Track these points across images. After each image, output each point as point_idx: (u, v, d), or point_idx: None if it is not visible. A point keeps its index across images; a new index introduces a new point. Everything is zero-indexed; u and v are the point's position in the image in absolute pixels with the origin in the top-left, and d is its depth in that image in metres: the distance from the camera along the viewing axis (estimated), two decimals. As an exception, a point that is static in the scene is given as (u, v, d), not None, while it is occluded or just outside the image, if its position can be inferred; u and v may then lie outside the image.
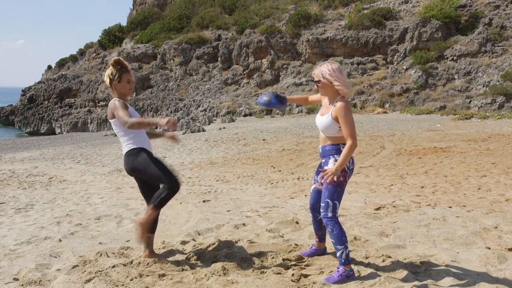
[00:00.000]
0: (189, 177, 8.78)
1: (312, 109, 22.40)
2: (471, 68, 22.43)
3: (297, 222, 4.94)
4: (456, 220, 4.85)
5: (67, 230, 4.99)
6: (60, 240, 4.59)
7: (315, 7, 31.52)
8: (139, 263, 3.82)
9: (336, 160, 3.43)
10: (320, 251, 3.94)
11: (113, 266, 3.73)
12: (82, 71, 38.30)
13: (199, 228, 4.91)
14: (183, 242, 4.37)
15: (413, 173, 7.89)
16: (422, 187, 6.77)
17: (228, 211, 5.71)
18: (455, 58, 23.44)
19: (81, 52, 45.34)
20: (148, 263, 3.81)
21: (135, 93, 30.40)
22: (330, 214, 3.42)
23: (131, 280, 3.48)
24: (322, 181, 3.38)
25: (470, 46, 23.36)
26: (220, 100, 27.37)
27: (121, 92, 3.79)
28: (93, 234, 4.83)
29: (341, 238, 3.39)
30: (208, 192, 7.17)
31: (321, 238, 3.92)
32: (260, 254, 3.98)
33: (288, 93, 25.38)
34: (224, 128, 19.44)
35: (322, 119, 3.53)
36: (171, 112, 27.90)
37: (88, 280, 3.48)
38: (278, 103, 3.74)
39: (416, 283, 3.25)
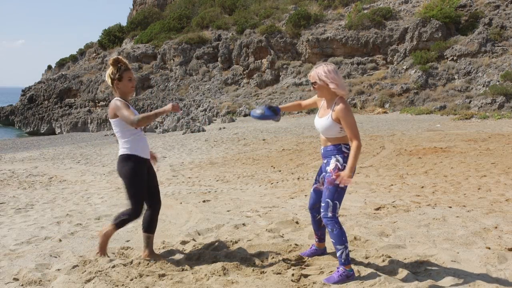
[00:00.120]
0: (189, 177, 8.78)
1: (312, 109, 22.40)
2: (471, 68, 22.43)
3: (297, 222, 4.94)
4: (456, 220, 4.85)
5: (67, 230, 4.99)
6: (60, 240, 4.59)
7: (315, 7, 31.52)
8: (139, 263, 3.82)
9: (337, 160, 3.44)
10: (320, 251, 3.94)
11: (113, 266, 3.72)
12: (82, 71, 38.29)
13: (199, 228, 4.91)
14: (183, 242, 4.37)
15: (413, 173, 7.89)
16: (422, 187, 6.77)
17: (228, 211, 5.71)
18: (455, 58, 23.44)
19: (81, 52, 45.33)
20: (148, 263, 3.81)
21: (135, 93, 30.38)
22: (330, 214, 3.42)
23: (131, 280, 3.48)
24: (340, 185, 3.36)
25: (470, 46, 23.36)
26: (220, 100, 27.37)
27: (123, 90, 3.79)
28: (93, 234, 4.83)
29: (341, 238, 3.39)
30: (208, 192, 7.17)
31: (321, 238, 3.92)
32: (260, 254, 3.98)
33: (288, 93, 25.38)
34: (224, 128, 19.44)
35: (322, 121, 3.53)
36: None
37: (88, 280, 3.48)
38: (272, 115, 3.75)
39: (416, 283, 3.25)
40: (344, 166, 3.44)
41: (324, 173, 3.64)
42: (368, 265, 3.68)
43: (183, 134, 19.06)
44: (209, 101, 27.47)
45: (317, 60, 26.73)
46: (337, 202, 3.42)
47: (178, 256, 4.01)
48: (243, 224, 4.97)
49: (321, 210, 3.48)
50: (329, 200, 3.42)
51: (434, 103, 21.13)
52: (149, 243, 3.99)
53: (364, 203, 5.87)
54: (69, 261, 3.92)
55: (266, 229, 4.71)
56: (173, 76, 32.14)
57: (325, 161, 3.58)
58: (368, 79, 24.52)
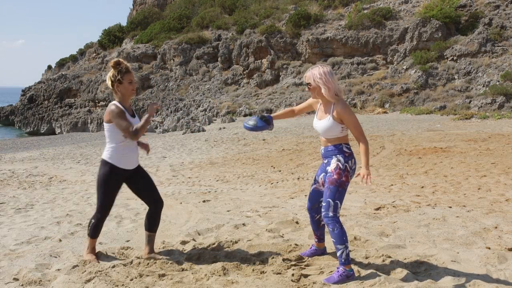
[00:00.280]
0: (189, 177, 8.78)
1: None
2: (471, 68, 22.44)
3: (297, 222, 4.94)
4: (456, 220, 4.85)
5: (67, 230, 4.99)
6: (60, 240, 4.59)
7: (315, 7, 31.52)
8: (139, 263, 3.82)
9: (338, 160, 3.46)
10: (320, 251, 3.95)
11: (113, 266, 3.73)
12: (82, 71, 38.29)
13: (199, 228, 4.91)
14: (183, 242, 4.37)
15: (413, 173, 7.89)
16: (422, 187, 6.77)
17: (228, 211, 5.71)
18: (455, 58, 23.45)
19: (81, 52, 45.32)
20: (148, 263, 3.82)
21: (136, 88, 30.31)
22: (331, 214, 3.42)
23: (131, 280, 3.48)
24: (365, 185, 3.42)
25: (470, 46, 23.37)
26: (220, 100, 27.37)
27: (123, 93, 3.78)
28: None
29: (341, 237, 3.39)
30: (208, 192, 7.17)
31: (320, 238, 3.92)
32: (260, 254, 3.98)
33: (288, 93, 25.39)
34: (224, 128, 19.44)
35: (322, 122, 3.52)
36: (171, 112, 27.91)
37: (88, 280, 3.48)
38: (265, 125, 3.75)
39: (416, 283, 3.25)
40: (345, 166, 3.45)
41: (324, 173, 3.65)
42: (368, 265, 3.68)
43: (183, 134, 19.06)
44: (209, 101, 27.47)
45: (317, 60, 26.74)
46: (338, 202, 3.43)
47: (178, 256, 4.01)
48: (243, 224, 4.97)
49: (322, 210, 3.48)
50: (330, 200, 3.42)
51: (434, 103, 21.13)
52: (150, 242, 4.00)
53: (364, 203, 5.87)
54: (69, 261, 3.93)
55: (266, 229, 4.71)
56: (173, 76, 32.14)
57: (326, 161, 3.58)
58: (368, 79, 24.52)
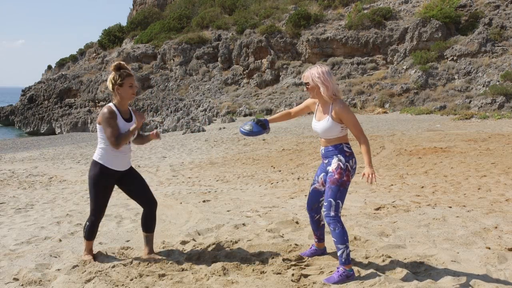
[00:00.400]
0: (189, 177, 8.78)
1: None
2: (471, 68, 22.44)
3: (297, 222, 4.95)
4: (456, 220, 4.85)
5: (67, 230, 4.99)
6: (60, 240, 4.59)
7: (315, 7, 31.52)
8: (139, 263, 3.82)
9: (339, 160, 3.46)
10: (320, 251, 3.95)
11: (113, 266, 3.73)
12: (82, 71, 38.28)
13: (199, 228, 4.91)
14: (183, 242, 4.37)
15: (413, 173, 7.89)
16: (422, 187, 6.77)
17: (228, 211, 5.71)
18: (455, 58, 23.44)
19: (81, 52, 45.31)
20: (148, 263, 3.82)
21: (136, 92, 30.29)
22: (332, 213, 3.42)
23: (131, 280, 3.48)
24: (370, 183, 3.42)
25: (470, 46, 23.36)
26: (220, 100, 27.37)
27: (122, 96, 3.78)
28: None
29: (342, 237, 3.39)
30: (208, 192, 7.17)
31: (320, 238, 3.92)
32: (260, 254, 3.98)
33: (288, 93, 25.38)
34: (224, 128, 19.44)
35: (321, 123, 3.52)
36: (171, 112, 27.90)
37: (88, 280, 3.48)
38: (260, 130, 3.76)
39: (416, 283, 3.25)
40: (346, 166, 3.45)
41: (324, 173, 3.65)
42: (368, 265, 3.68)
43: (183, 134, 19.06)
44: (209, 101, 27.47)
45: (317, 60, 26.74)
46: (339, 201, 3.43)
47: (178, 256, 4.01)
48: (243, 224, 4.97)
49: (324, 210, 3.49)
50: (332, 200, 3.42)
51: (434, 103, 21.13)
52: (148, 242, 4.00)
53: (364, 203, 5.87)
54: (69, 261, 3.93)
55: (266, 229, 4.71)
56: (173, 76, 32.14)
57: (326, 161, 3.58)
58: (368, 79, 24.52)
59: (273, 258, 3.88)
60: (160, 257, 3.95)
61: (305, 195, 6.44)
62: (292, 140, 13.78)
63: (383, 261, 3.73)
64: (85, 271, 3.67)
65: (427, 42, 24.67)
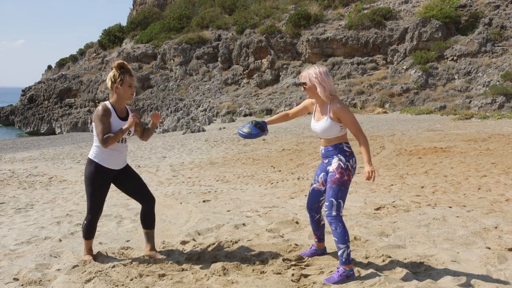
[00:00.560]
0: (189, 177, 8.78)
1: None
2: (471, 68, 22.44)
3: (297, 222, 4.95)
4: (456, 220, 4.85)
5: (67, 230, 4.99)
6: (60, 240, 4.59)
7: (315, 7, 31.52)
8: (139, 263, 3.82)
9: (340, 159, 3.47)
10: (320, 251, 3.95)
11: (113, 266, 3.73)
12: (82, 71, 38.28)
13: (199, 228, 4.91)
14: (183, 242, 4.37)
15: (413, 173, 7.89)
16: (422, 187, 6.77)
17: (228, 211, 5.71)
18: (455, 58, 23.45)
19: (81, 52, 45.31)
20: (148, 263, 3.82)
21: (135, 93, 30.29)
22: (334, 213, 3.43)
23: (131, 280, 3.48)
24: (372, 181, 3.45)
25: (470, 46, 23.37)
26: (220, 100, 27.37)
27: (120, 95, 3.78)
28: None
29: (343, 237, 3.40)
30: (208, 192, 7.17)
31: (320, 238, 3.92)
32: (260, 254, 3.98)
33: (288, 93, 25.38)
34: (224, 128, 19.44)
35: (320, 124, 3.52)
36: (171, 112, 27.90)
37: (88, 280, 3.48)
38: (259, 133, 3.75)
39: (416, 283, 3.25)
40: (347, 165, 3.46)
41: (324, 173, 3.65)
42: (368, 265, 3.68)
43: (183, 134, 19.06)
44: (209, 101, 27.47)
45: (317, 60, 26.75)
46: (341, 201, 3.44)
47: (178, 256, 4.01)
48: (243, 224, 4.97)
49: (325, 209, 3.49)
50: (333, 199, 3.43)
51: (434, 103, 21.13)
52: (149, 239, 4.01)
53: (364, 203, 5.87)
54: (69, 261, 3.93)
55: (266, 229, 4.71)
56: (173, 76, 32.14)
57: (326, 160, 3.58)
58: (368, 79, 24.52)
59: (273, 258, 3.88)
60: (160, 256, 3.96)
61: (305, 195, 6.44)
62: (292, 140, 13.78)
63: (383, 261, 3.73)
64: (85, 271, 3.67)
65: (427, 42, 24.68)
